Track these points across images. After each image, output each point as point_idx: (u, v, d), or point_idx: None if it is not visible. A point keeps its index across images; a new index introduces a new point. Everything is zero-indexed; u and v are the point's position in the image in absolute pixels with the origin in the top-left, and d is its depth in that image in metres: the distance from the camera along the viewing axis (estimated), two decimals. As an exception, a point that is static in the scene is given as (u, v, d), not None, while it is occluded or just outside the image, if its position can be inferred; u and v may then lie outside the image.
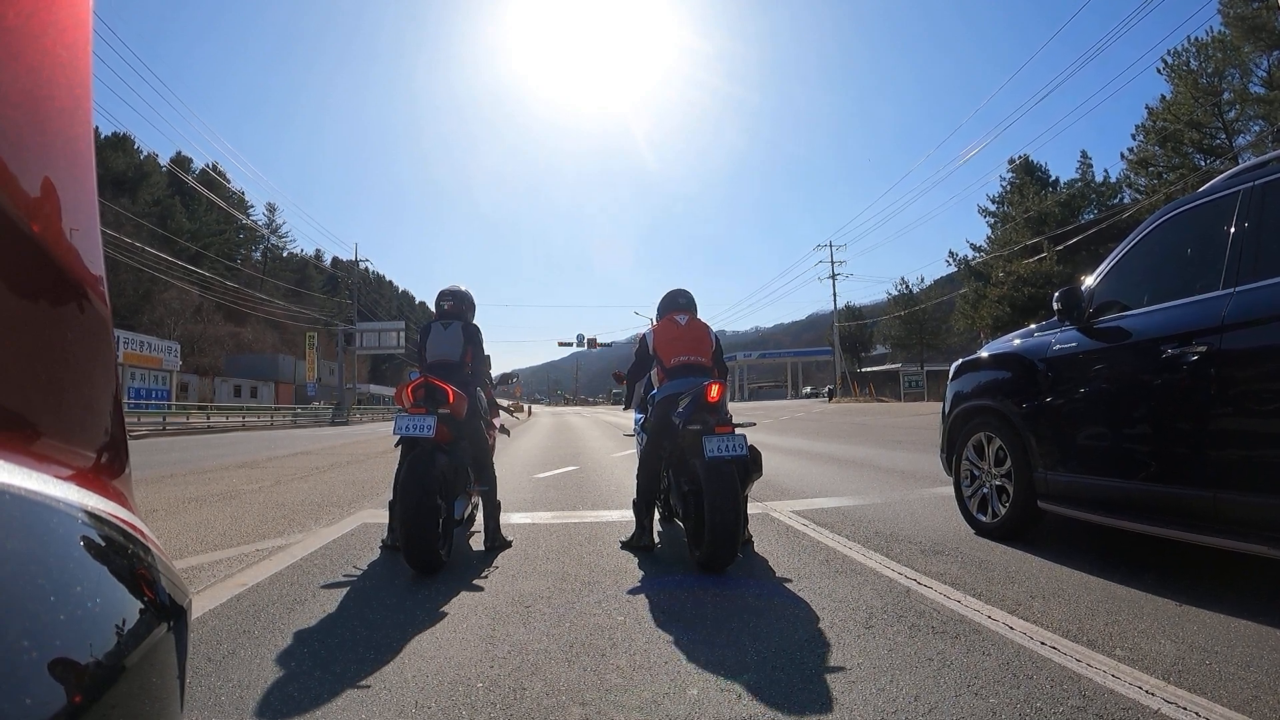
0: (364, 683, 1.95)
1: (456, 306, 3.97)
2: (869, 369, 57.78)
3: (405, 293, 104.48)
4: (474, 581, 3.04)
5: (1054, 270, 32.10)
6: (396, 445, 3.34)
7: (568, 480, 6.87)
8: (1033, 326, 3.71)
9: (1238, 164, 3.88)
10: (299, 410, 37.99)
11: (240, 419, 29.21)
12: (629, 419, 4.79)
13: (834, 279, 47.84)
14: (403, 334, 42.31)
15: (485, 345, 4.08)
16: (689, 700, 1.81)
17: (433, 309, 4.10)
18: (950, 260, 41.06)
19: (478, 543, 3.81)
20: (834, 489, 5.75)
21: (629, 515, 3.99)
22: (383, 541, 3.72)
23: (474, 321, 4.10)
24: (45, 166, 0.54)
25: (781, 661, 2.05)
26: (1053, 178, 37.72)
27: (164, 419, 24.48)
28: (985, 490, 3.77)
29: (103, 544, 0.51)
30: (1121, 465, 2.88)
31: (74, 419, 0.57)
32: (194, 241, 50.35)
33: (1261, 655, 2.01)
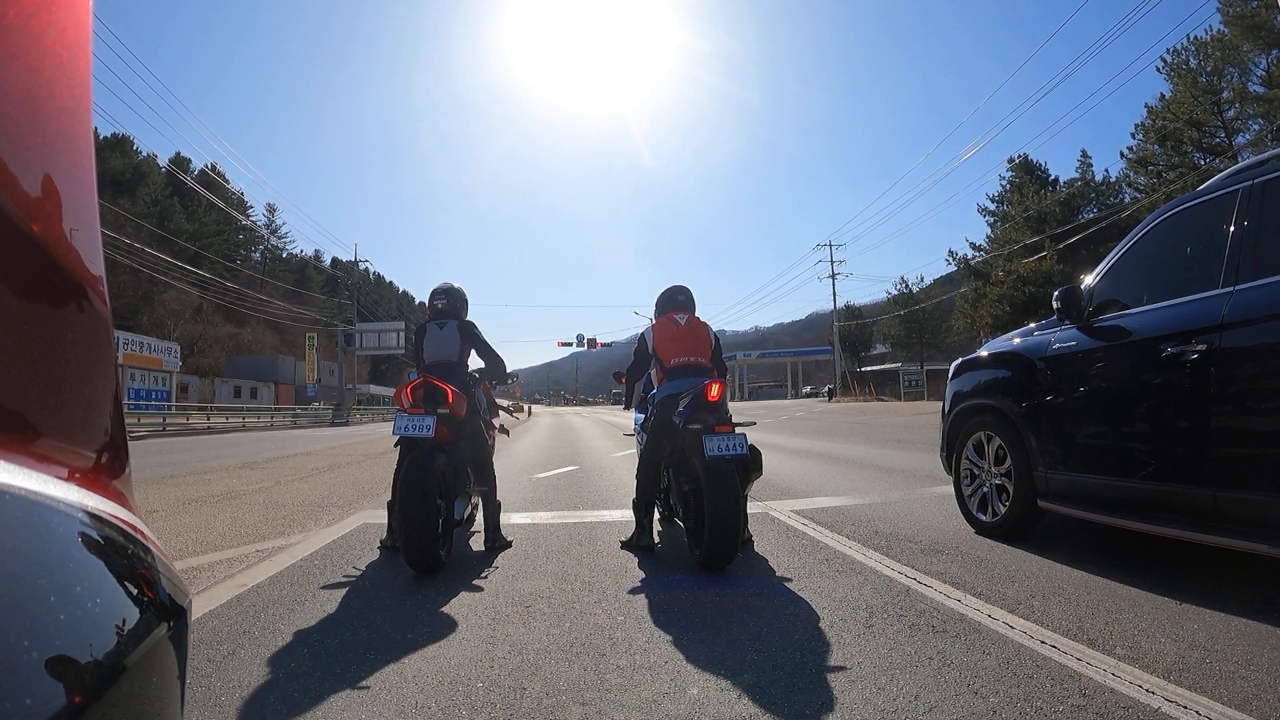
0: (364, 683, 1.95)
1: (451, 305, 3.94)
2: (869, 368, 57.77)
3: (405, 293, 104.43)
4: (474, 581, 3.04)
5: (1054, 269, 32.10)
6: (396, 445, 3.34)
7: (568, 480, 6.87)
8: (1032, 325, 3.71)
9: (1237, 162, 3.88)
10: (299, 411, 37.95)
11: (240, 420, 29.21)
12: (629, 419, 4.78)
13: (834, 278, 47.95)
14: (403, 334, 42.23)
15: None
16: (689, 700, 1.81)
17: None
18: (950, 259, 41.11)
19: (478, 543, 3.81)
20: (834, 488, 5.75)
21: (629, 515, 3.98)
22: (382, 542, 3.72)
23: (469, 318, 4.08)
24: (45, 166, 0.54)
25: (782, 661, 2.05)
26: (1052, 176, 37.72)
27: (164, 420, 24.48)
28: (985, 489, 3.77)
29: (103, 544, 0.51)
30: (1122, 464, 2.88)
31: (74, 419, 0.57)
32: (193, 242, 50.32)
33: (1262, 653, 2.01)
